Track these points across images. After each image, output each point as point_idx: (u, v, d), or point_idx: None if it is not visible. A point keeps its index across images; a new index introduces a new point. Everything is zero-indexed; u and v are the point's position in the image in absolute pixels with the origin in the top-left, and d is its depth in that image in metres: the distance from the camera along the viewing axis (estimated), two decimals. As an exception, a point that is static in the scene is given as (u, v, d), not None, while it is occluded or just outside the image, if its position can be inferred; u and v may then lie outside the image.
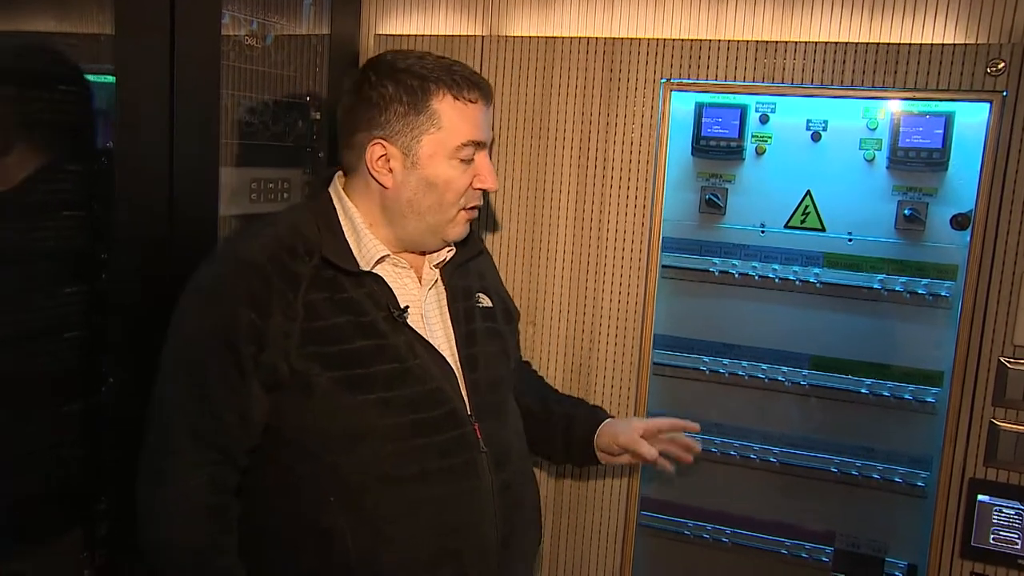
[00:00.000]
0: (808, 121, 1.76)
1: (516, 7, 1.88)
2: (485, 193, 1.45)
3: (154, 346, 1.44)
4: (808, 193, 1.78)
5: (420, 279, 1.43)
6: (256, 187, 1.79)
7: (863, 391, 1.78)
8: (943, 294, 1.71)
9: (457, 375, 1.39)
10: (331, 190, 1.42)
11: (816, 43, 1.66)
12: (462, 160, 1.36)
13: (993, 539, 1.63)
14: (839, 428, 1.81)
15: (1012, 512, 1.61)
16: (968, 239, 1.62)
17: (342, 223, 1.37)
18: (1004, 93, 1.55)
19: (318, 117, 1.95)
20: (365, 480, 1.29)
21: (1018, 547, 1.61)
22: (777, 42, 1.69)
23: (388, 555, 1.30)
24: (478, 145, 1.38)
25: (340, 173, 1.44)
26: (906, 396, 1.75)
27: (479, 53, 1.87)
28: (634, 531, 1.88)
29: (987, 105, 1.58)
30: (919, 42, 1.61)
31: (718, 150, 1.80)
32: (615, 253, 1.82)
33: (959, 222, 1.66)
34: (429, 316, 1.42)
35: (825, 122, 1.75)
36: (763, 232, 1.82)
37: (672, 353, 1.90)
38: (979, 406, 1.62)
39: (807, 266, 1.79)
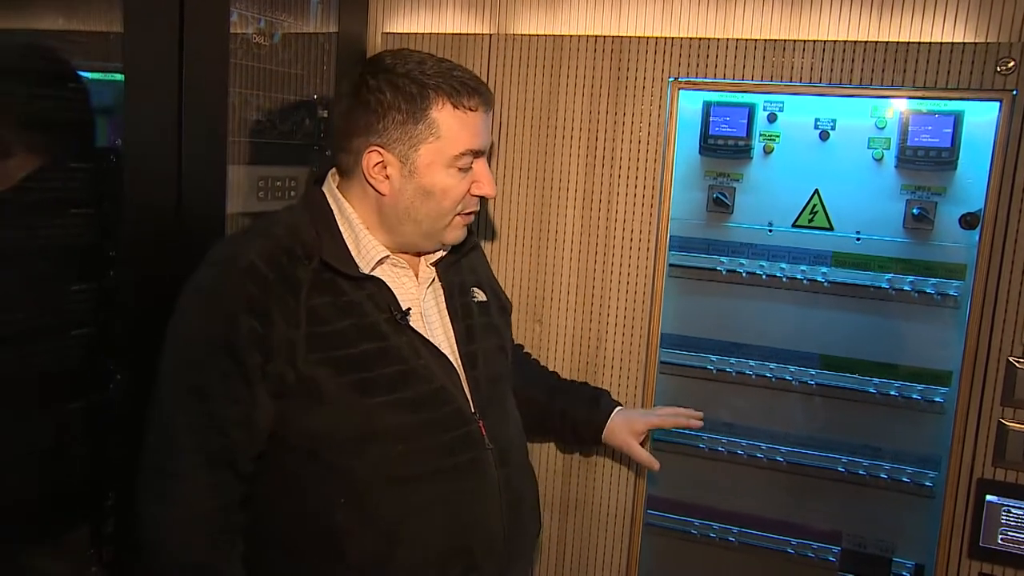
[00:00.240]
0: (816, 120, 1.75)
1: (523, 5, 1.88)
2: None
3: (162, 344, 1.45)
4: (816, 192, 1.77)
5: (417, 276, 1.42)
6: (264, 185, 1.79)
7: (871, 390, 1.77)
8: (951, 294, 1.70)
9: (459, 373, 1.39)
10: (326, 190, 1.40)
11: (824, 42, 1.66)
12: (460, 168, 1.34)
13: (1001, 539, 1.62)
14: (846, 427, 1.81)
15: (1020, 512, 1.61)
16: (977, 239, 1.62)
17: (340, 225, 1.36)
18: (1014, 92, 1.54)
19: (325, 115, 1.94)
20: (374, 481, 1.29)
21: (1026, 547, 1.61)
22: (785, 41, 1.68)
23: (400, 555, 1.29)
24: (477, 153, 1.36)
25: (334, 172, 1.42)
26: (914, 396, 1.75)
27: (486, 51, 1.87)
28: (640, 530, 1.88)
29: (997, 104, 1.57)
30: (928, 41, 1.61)
31: (726, 149, 1.80)
32: (622, 252, 1.81)
33: (968, 221, 1.66)
34: (428, 315, 1.42)
35: (833, 121, 1.74)
36: (771, 231, 1.82)
37: (679, 352, 1.89)
38: (988, 406, 1.61)
39: (815, 265, 1.79)
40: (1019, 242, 1.57)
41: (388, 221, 1.36)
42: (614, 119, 1.80)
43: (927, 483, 1.75)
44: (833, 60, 1.65)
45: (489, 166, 1.41)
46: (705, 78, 1.74)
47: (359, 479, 1.29)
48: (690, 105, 1.80)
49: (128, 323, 1.46)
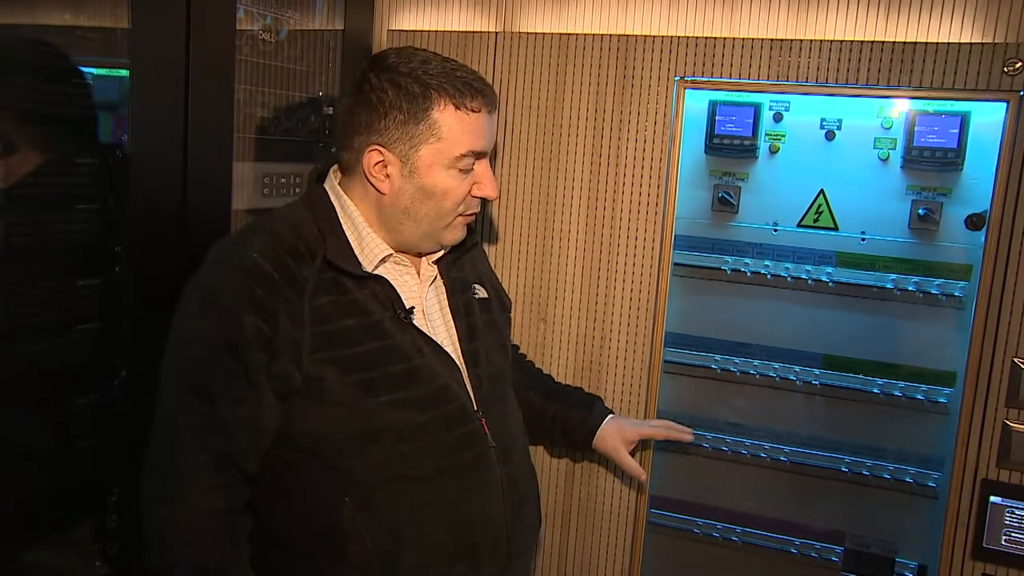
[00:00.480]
0: (822, 120, 1.75)
1: (530, 3, 1.87)
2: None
3: (166, 339, 1.45)
4: (821, 192, 1.77)
5: (419, 275, 1.42)
6: (269, 182, 1.79)
7: (875, 391, 1.77)
8: (956, 294, 1.70)
9: (461, 371, 1.39)
10: (328, 187, 1.39)
11: (831, 41, 1.66)
12: (461, 169, 1.33)
13: (1005, 540, 1.62)
14: (850, 428, 1.80)
15: (1024, 514, 1.61)
16: (983, 239, 1.62)
17: (343, 223, 1.35)
18: (1021, 93, 1.54)
19: (331, 112, 1.94)
20: (378, 480, 1.29)
21: (1030, 549, 1.61)
22: (792, 40, 1.68)
23: (406, 554, 1.29)
24: (479, 155, 1.35)
25: (335, 169, 1.41)
26: (918, 396, 1.74)
27: (492, 49, 1.87)
28: (643, 529, 1.88)
29: (1003, 105, 1.57)
30: (935, 41, 1.61)
31: (731, 148, 1.79)
32: (627, 250, 1.81)
33: (974, 222, 1.66)
34: (430, 312, 1.41)
35: (839, 121, 1.74)
36: (776, 231, 1.81)
37: (684, 351, 1.89)
38: (992, 407, 1.61)
39: (820, 265, 1.79)
40: (1025, 243, 1.57)
41: (388, 220, 1.35)
42: (620, 118, 1.80)
43: (931, 484, 1.75)
44: (839, 60, 1.65)
45: (492, 166, 1.41)
46: (711, 77, 1.74)
47: (363, 478, 1.28)
48: (696, 104, 1.80)
49: (133, 319, 1.46)
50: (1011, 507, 1.61)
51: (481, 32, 1.88)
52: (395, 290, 1.34)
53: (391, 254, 1.37)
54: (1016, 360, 1.59)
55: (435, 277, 1.44)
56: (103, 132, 1.50)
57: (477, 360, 1.42)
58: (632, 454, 1.73)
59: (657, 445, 1.87)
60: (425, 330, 1.36)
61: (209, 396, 1.23)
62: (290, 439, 1.28)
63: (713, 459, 1.89)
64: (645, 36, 1.77)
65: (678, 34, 1.77)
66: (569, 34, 1.82)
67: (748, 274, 1.83)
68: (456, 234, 1.41)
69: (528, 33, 1.85)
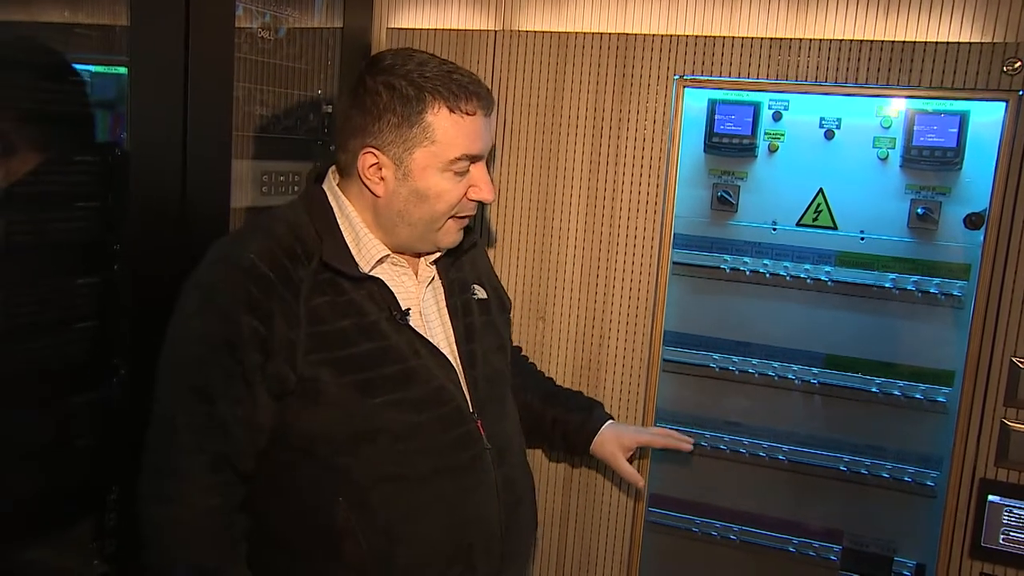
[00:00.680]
0: (821, 119, 1.75)
1: (529, 2, 1.87)
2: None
3: (164, 339, 1.44)
4: (821, 191, 1.77)
5: (417, 275, 1.42)
6: (268, 180, 1.79)
7: (873, 390, 1.77)
8: (955, 294, 1.70)
9: (458, 372, 1.39)
10: (326, 188, 1.39)
11: (831, 40, 1.66)
12: (456, 173, 1.32)
13: (1003, 539, 1.62)
14: (849, 427, 1.81)
15: (1022, 513, 1.61)
16: (981, 239, 1.62)
17: (340, 224, 1.35)
18: (1020, 92, 1.54)
19: (329, 110, 1.94)
20: (373, 480, 1.29)
21: (1028, 548, 1.61)
22: (791, 39, 1.68)
23: (400, 553, 1.29)
24: (473, 158, 1.34)
25: (334, 170, 1.41)
26: (917, 395, 1.75)
27: (491, 48, 1.87)
28: (642, 528, 1.88)
29: (1003, 104, 1.57)
30: (934, 40, 1.61)
31: (731, 147, 1.79)
32: (626, 249, 1.81)
33: (973, 222, 1.66)
34: (427, 313, 1.41)
35: (839, 120, 1.74)
36: (775, 230, 1.81)
37: (682, 350, 1.89)
38: (990, 406, 1.61)
39: (819, 264, 1.79)
40: (1024, 242, 1.57)
41: (383, 222, 1.35)
42: (619, 116, 1.79)
43: (929, 483, 1.75)
44: (839, 59, 1.65)
45: (491, 167, 1.40)
46: (710, 76, 1.74)
47: (358, 478, 1.28)
48: (695, 103, 1.80)
49: (132, 317, 1.45)
50: (1009, 506, 1.61)
51: (480, 30, 1.88)
52: (391, 291, 1.34)
53: (388, 255, 1.36)
54: (1015, 359, 1.59)
55: (433, 278, 1.44)
56: (102, 130, 1.50)
57: (474, 361, 1.42)
58: (630, 459, 1.73)
59: (655, 451, 1.86)
60: (421, 331, 1.36)
61: (208, 396, 1.23)
62: (286, 439, 1.28)
63: (712, 458, 1.89)
64: (644, 35, 1.77)
65: (677, 33, 1.77)
66: (568, 33, 1.82)
67: (747, 273, 1.83)
68: (452, 237, 1.40)
69: (527, 31, 1.85)
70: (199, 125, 1.50)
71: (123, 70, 1.42)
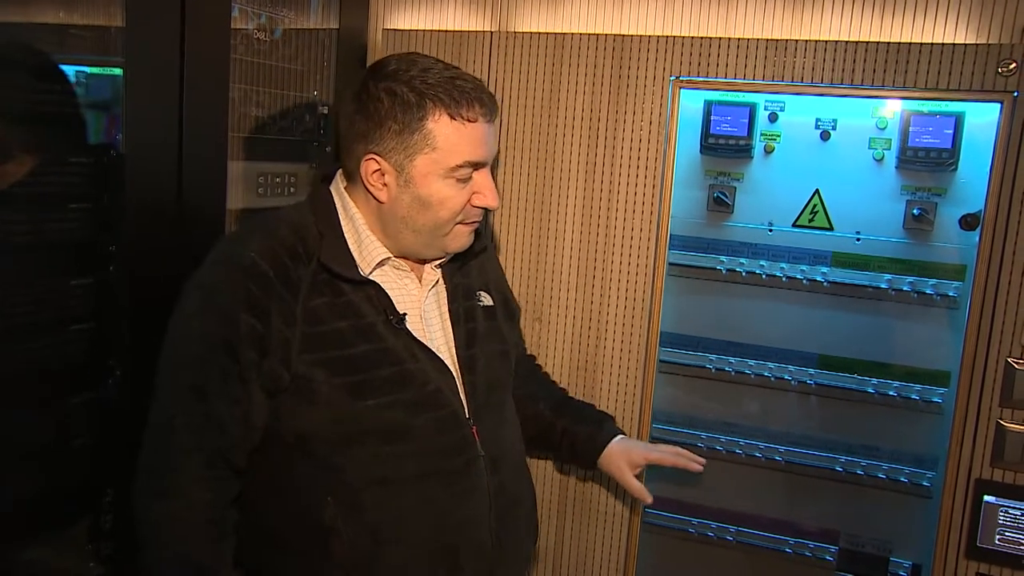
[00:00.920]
0: (817, 120, 1.76)
1: (525, 3, 1.87)
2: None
3: (161, 339, 1.44)
4: (816, 192, 1.77)
5: (421, 279, 1.41)
6: (264, 181, 1.79)
7: (869, 390, 1.78)
8: (951, 294, 1.70)
9: (455, 377, 1.38)
10: (333, 190, 1.39)
11: (826, 42, 1.66)
12: (458, 179, 1.31)
13: (999, 539, 1.63)
14: (845, 427, 1.81)
15: (1018, 513, 1.61)
16: (977, 240, 1.62)
17: (343, 225, 1.35)
18: (1015, 93, 1.55)
19: (325, 111, 1.94)
20: (363, 481, 1.29)
21: (1023, 548, 1.61)
22: (787, 40, 1.68)
23: (386, 554, 1.29)
24: (476, 165, 1.33)
25: (342, 173, 1.41)
26: (912, 396, 1.75)
27: (487, 49, 1.87)
28: (639, 529, 1.88)
29: (998, 105, 1.57)
30: (930, 42, 1.61)
31: (727, 148, 1.80)
32: (622, 250, 1.81)
33: (968, 222, 1.66)
34: (429, 317, 1.40)
35: (834, 121, 1.74)
36: (771, 231, 1.82)
37: (679, 351, 1.89)
38: (986, 407, 1.62)
39: (815, 265, 1.79)
40: (1019, 244, 1.57)
41: (388, 228, 1.35)
42: (615, 117, 1.80)
43: (925, 483, 1.76)
44: (835, 60, 1.65)
45: (494, 174, 1.39)
46: (706, 77, 1.74)
47: (348, 478, 1.28)
48: (691, 104, 1.80)
49: (128, 318, 1.45)
50: (1005, 506, 1.62)
51: (476, 31, 1.88)
52: (387, 295, 1.33)
53: (389, 258, 1.36)
54: (1010, 360, 1.59)
55: (437, 282, 1.43)
56: (97, 131, 1.49)
57: (473, 367, 1.41)
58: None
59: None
60: (420, 335, 1.35)
61: (204, 395, 1.23)
62: (279, 436, 1.29)
63: (708, 459, 1.88)
64: (640, 36, 1.77)
65: (673, 34, 1.77)
66: (564, 34, 1.82)
67: (743, 274, 1.84)
68: (460, 242, 1.39)
69: (523, 33, 1.85)
70: (195, 126, 1.50)
71: (119, 71, 1.42)
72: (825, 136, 1.75)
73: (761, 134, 1.79)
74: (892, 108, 1.70)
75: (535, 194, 1.86)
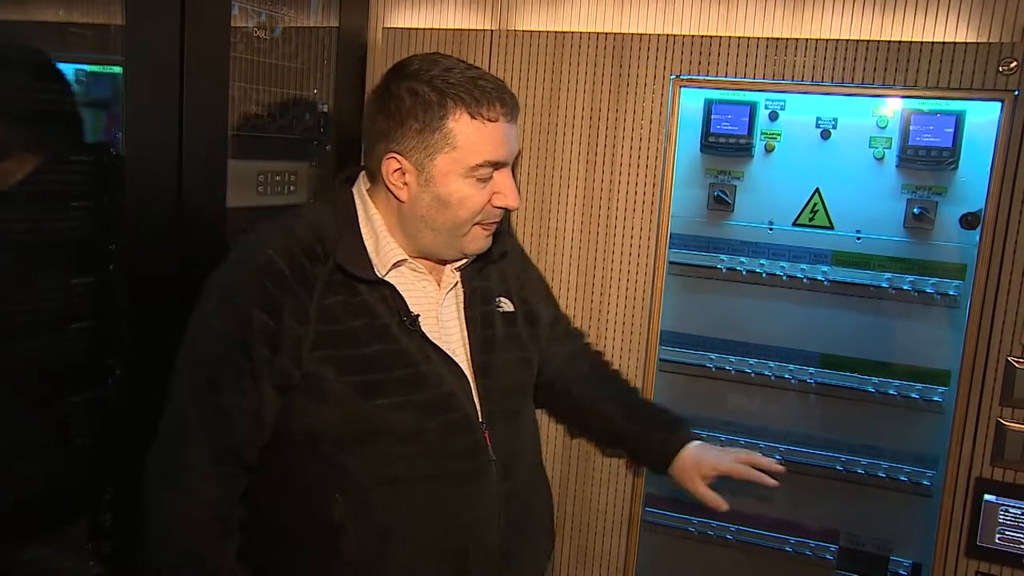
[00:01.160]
0: (818, 119, 1.75)
1: (525, 2, 1.87)
2: None
3: (161, 337, 1.44)
4: (817, 191, 1.77)
5: (440, 282, 1.41)
6: (263, 179, 1.79)
7: (870, 389, 1.78)
8: (951, 293, 1.70)
9: (469, 380, 1.38)
10: (355, 191, 1.39)
11: (827, 41, 1.66)
12: (479, 179, 1.31)
13: (999, 538, 1.63)
14: (845, 426, 1.81)
15: (1018, 512, 1.61)
16: (977, 238, 1.62)
17: (362, 226, 1.35)
18: (1016, 92, 1.55)
19: (325, 110, 1.94)
20: (372, 480, 1.29)
21: (1023, 547, 1.61)
22: (787, 39, 1.68)
23: (393, 554, 1.30)
24: (497, 165, 1.32)
25: (364, 173, 1.41)
26: (913, 395, 1.75)
27: (487, 48, 1.87)
28: (639, 528, 1.88)
29: (998, 104, 1.57)
30: (930, 40, 1.61)
31: (727, 147, 1.79)
32: (623, 249, 1.81)
33: (968, 221, 1.66)
34: (446, 320, 1.40)
35: (835, 120, 1.74)
36: (771, 229, 1.82)
37: (679, 350, 1.89)
38: (986, 406, 1.62)
39: (815, 264, 1.79)
40: (1019, 242, 1.57)
41: (408, 228, 1.35)
42: (615, 116, 1.79)
43: (925, 482, 1.76)
44: (835, 59, 1.65)
45: (515, 174, 1.38)
46: (707, 76, 1.74)
47: (357, 477, 1.28)
48: (692, 103, 1.80)
49: (127, 317, 1.45)
50: (1005, 505, 1.62)
51: (476, 30, 1.88)
52: (401, 296, 1.34)
53: (406, 259, 1.36)
54: (1010, 359, 1.59)
55: (456, 284, 1.43)
56: (97, 130, 1.49)
57: (489, 372, 1.40)
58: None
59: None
60: (435, 337, 1.35)
61: (218, 390, 1.25)
62: (289, 433, 1.29)
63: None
64: (641, 34, 1.77)
65: (674, 32, 1.77)
66: (565, 32, 1.82)
67: (743, 273, 1.84)
68: (478, 243, 1.38)
69: (523, 31, 1.85)
70: (195, 124, 1.50)
71: (118, 69, 1.41)
72: (825, 135, 1.75)
73: (761, 133, 1.79)
74: (892, 107, 1.70)
75: (535, 193, 1.86)
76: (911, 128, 1.67)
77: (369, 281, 1.31)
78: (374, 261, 1.32)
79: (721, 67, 1.72)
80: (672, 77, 1.75)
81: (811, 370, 1.81)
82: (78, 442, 1.46)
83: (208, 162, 1.55)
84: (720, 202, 1.82)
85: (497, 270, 1.49)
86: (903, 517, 1.79)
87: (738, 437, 1.87)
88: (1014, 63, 1.54)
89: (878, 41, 1.63)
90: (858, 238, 1.76)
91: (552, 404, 1.66)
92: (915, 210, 1.70)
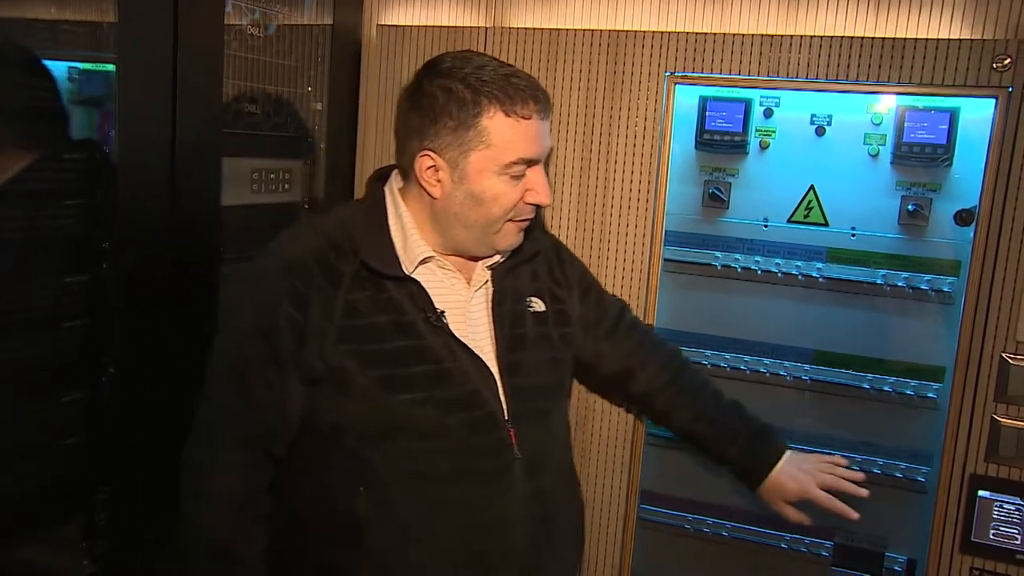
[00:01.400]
0: (812, 115, 1.75)
1: (520, -2, 1.87)
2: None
3: (155, 336, 1.44)
4: (812, 188, 1.77)
5: (470, 280, 1.41)
6: (257, 177, 1.78)
7: (865, 386, 1.78)
8: (946, 290, 1.70)
9: (496, 379, 1.38)
10: (387, 189, 1.41)
11: (821, 37, 1.66)
12: (512, 176, 1.32)
13: (993, 534, 1.63)
14: (840, 423, 1.81)
15: (1012, 508, 1.61)
16: (972, 235, 1.62)
17: (391, 223, 1.36)
18: (1010, 89, 1.55)
19: (320, 107, 1.94)
20: (394, 475, 1.30)
21: (1018, 543, 1.62)
22: (782, 36, 1.68)
23: (412, 550, 1.31)
24: (530, 162, 1.33)
25: (397, 172, 1.42)
26: (908, 391, 1.75)
27: (482, 45, 1.86)
28: (634, 525, 1.88)
29: (992, 101, 1.57)
30: (925, 37, 1.61)
31: (722, 144, 1.79)
32: (618, 246, 1.81)
33: (963, 218, 1.66)
34: (474, 318, 1.40)
35: (829, 116, 1.74)
36: (766, 226, 1.82)
37: (674, 347, 1.89)
38: (981, 402, 1.62)
39: (810, 261, 1.79)
40: (1013, 239, 1.57)
41: (440, 225, 1.36)
42: (610, 114, 1.79)
43: (920, 478, 1.76)
44: (830, 56, 1.65)
45: (547, 171, 1.38)
46: (702, 73, 1.73)
47: (380, 471, 1.30)
48: (686, 100, 1.80)
49: (121, 315, 1.45)
50: (999, 501, 1.62)
51: (470, 27, 1.88)
52: (427, 293, 1.34)
53: (433, 256, 1.36)
54: (1004, 355, 1.60)
55: (486, 282, 1.43)
56: (90, 127, 1.49)
57: (517, 371, 1.40)
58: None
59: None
60: (461, 335, 1.35)
61: (244, 380, 1.30)
62: (314, 426, 1.33)
63: (704, 454, 1.89)
64: (635, 32, 1.77)
65: (668, 30, 1.77)
66: (559, 30, 1.81)
67: (738, 270, 1.84)
68: (510, 240, 1.39)
69: (518, 28, 1.84)
70: (188, 122, 1.49)
71: (111, 67, 1.41)
72: (820, 132, 1.75)
73: (756, 130, 1.79)
74: (887, 103, 1.70)
75: (530, 190, 1.86)
76: (905, 125, 1.67)
77: (396, 278, 1.33)
78: (401, 258, 1.34)
79: (716, 64, 1.72)
80: (667, 74, 1.75)
81: (806, 367, 1.82)
82: (71, 441, 1.45)
83: (202, 160, 1.55)
84: (715, 199, 1.82)
85: (529, 269, 1.49)
86: (898, 514, 1.79)
87: (733, 434, 1.87)
88: (1008, 60, 1.54)
89: (872, 38, 1.63)
90: (853, 235, 1.76)
91: (633, 404, 1.76)
92: (910, 207, 1.70)
